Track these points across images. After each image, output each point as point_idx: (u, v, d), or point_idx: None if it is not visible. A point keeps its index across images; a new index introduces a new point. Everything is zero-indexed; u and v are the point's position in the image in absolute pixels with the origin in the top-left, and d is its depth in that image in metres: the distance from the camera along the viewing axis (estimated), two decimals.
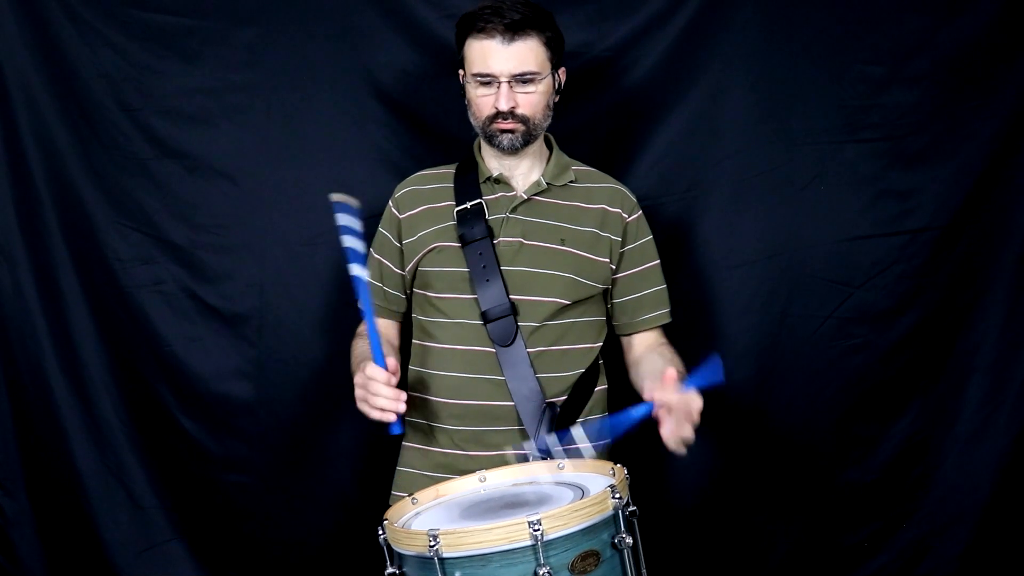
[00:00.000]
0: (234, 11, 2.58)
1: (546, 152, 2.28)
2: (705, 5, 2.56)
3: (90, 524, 2.65)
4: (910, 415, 2.61)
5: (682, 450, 1.90)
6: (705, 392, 1.88)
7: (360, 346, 2.23)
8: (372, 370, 1.95)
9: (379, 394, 1.94)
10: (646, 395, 1.96)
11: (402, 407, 1.95)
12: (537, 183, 2.22)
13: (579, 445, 2.02)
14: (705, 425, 1.88)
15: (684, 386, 1.89)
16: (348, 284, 2.43)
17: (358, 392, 2.00)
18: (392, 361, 1.98)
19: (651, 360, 2.20)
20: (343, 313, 2.48)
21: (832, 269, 2.58)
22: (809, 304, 2.58)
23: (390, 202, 2.29)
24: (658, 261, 2.29)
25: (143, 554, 2.65)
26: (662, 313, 2.28)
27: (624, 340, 2.32)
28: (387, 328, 2.30)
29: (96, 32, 2.56)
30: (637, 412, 1.92)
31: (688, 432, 1.88)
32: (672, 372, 1.91)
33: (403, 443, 2.28)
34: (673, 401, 1.87)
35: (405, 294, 2.29)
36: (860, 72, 2.55)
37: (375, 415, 1.96)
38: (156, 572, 2.66)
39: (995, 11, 2.52)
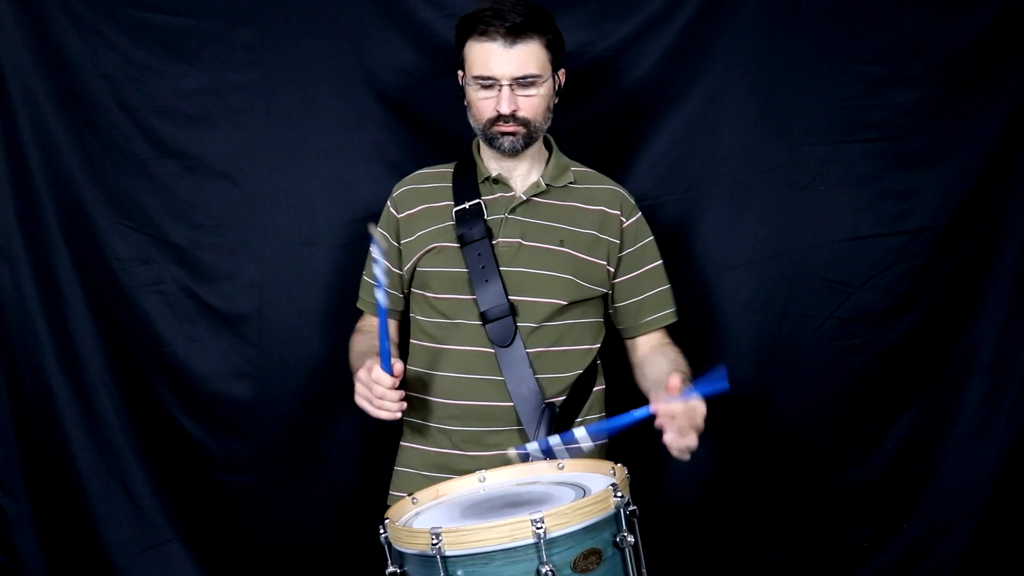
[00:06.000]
0: (234, 11, 2.58)
1: (545, 153, 2.28)
2: (705, 5, 2.56)
3: (90, 524, 2.65)
4: (910, 415, 2.61)
5: (686, 457, 1.89)
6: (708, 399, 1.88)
7: (360, 342, 2.24)
8: (378, 374, 1.99)
9: (383, 398, 1.99)
10: (651, 405, 1.92)
11: (399, 415, 2.01)
12: (536, 184, 2.22)
13: (581, 445, 2.02)
14: (705, 425, 1.87)
15: (688, 393, 1.86)
16: (347, 284, 2.45)
17: (360, 390, 2.03)
18: (398, 366, 2.01)
19: (655, 362, 2.19)
20: (342, 313, 2.48)
21: (832, 269, 2.58)
22: (809, 304, 2.58)
23: (388, 201, 2.29)
24: (660, 262, 2.28)
25: (143, 554, 2.65)
26: (667, 313, 2.27)
27: (628, 342, 2.30)
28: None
29: (96, 32, 2.56)
30: (638, 413, 1.91)
31: (692, 441, 1.87)
32: (676, 380, 1.87)
33: (401, 443, 2.28)
34: (677, 411, 1.85)
35: (402, 293, 2.29)
36: (860, 72, 2.55)
37: (375, 414, 2.01)
38: (156, 572, 2.65)
39: (995, 11, 2.52)
